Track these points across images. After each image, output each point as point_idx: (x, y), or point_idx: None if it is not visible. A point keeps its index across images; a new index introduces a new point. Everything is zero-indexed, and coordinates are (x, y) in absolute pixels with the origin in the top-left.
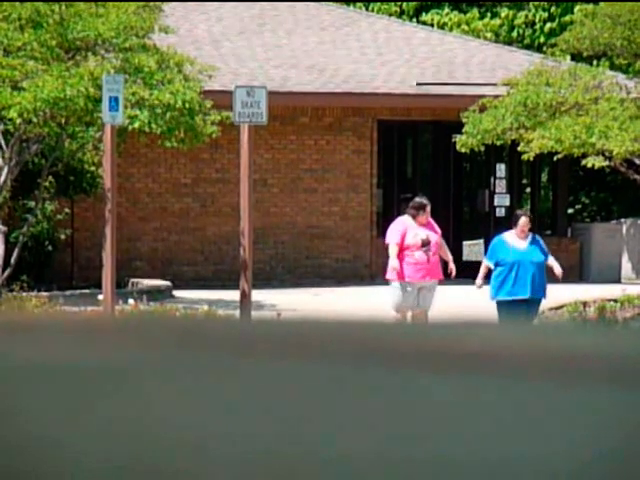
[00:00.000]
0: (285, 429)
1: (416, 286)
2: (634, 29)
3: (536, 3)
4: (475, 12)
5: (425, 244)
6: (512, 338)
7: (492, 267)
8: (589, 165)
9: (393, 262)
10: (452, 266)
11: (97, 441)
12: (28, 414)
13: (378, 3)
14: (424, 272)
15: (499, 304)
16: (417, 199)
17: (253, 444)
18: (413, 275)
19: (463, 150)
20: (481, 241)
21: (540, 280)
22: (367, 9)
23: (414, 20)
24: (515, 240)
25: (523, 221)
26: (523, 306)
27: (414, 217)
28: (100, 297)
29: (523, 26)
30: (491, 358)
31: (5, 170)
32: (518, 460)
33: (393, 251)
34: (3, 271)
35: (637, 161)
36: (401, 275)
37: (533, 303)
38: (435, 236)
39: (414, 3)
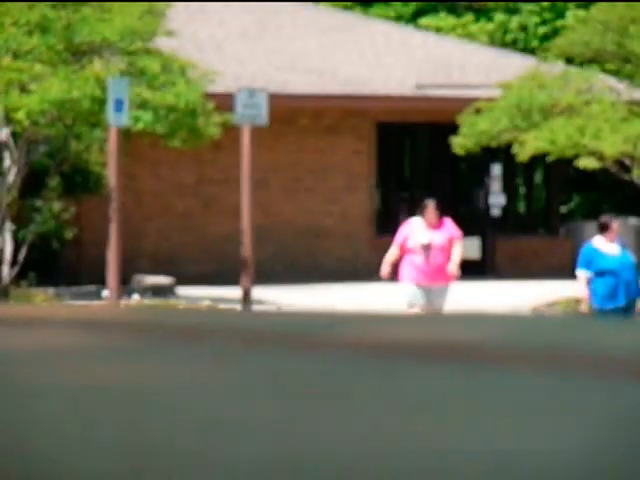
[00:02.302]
0: (284, 417)
1: (422, 288)
2: (624, 35)
3: (529, 8)
4: (470, 16)
5: (425, 248)
6: (506, 331)
7: (590, 277)
8: (581, 166)
9: (383, 266)
10: (453, 269)
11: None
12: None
13: (376, 8)
14: (425, 276)
15: (603, 312)
16: (425, 200)
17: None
18: (415, 277)
19: (460, 151)
20: (477, 239)
21: (635, 284)
22: (366, 13)
23: (411, 24)
24: (608, 246)
25: (615, 226)
26: (623, 312)
27: (423, 218)
28: (105, 293)
29: (517, 30)
30: (487, 350)
31: (14, 170)
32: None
33: (389, 252)
34: (11, 268)
35: (627, 162)
36: (405, 276)
37: (630, 308)
38: (442, 240)
39: (411, 8)
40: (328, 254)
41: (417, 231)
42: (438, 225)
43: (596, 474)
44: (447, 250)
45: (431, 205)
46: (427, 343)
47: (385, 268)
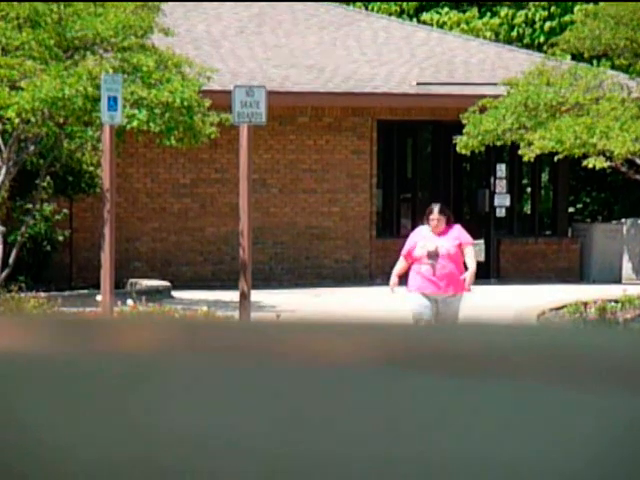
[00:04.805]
0: (281, 429)
1: (430, 298)
2: (637, 29)
3: (536, 2)
4: (474, 11)
5: (431, 256)
6: (514, 339)
7: None
8: (590, 166)
9: (392, 278)
10: (467, 277)
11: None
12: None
13: (378, 3)
14: (433, 285)
15: None
16: (430, 205)
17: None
18: (422, 287)
19: (464, 151)
20: (481, 241)
21: None
22: (367, 8)
23: (414, 20)
24: None
25: None
26: None
27: (428, 224)
28: (98, 298)
29: (523, 25)
30: (491, 359)
31: (3, 170)
32: (517, 461)
33: (397, 265)
34: (1, 272)
35: (638, 161)
36: (411, 286)
37: None
38: (449, 247)
39: (414, 3)
40: (328, 256)
41: (424, 239)
42: (445, 231)
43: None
44: (456, 257)
45: (435, 210)
46: (430, 351)
47: (393, 279)
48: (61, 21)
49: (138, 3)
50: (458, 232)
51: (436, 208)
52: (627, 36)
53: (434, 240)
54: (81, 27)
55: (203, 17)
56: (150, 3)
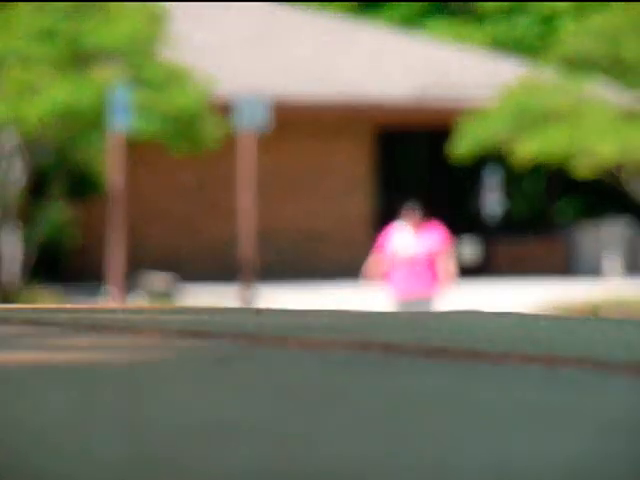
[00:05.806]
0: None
1: (406, 304)
2: (618, 43)
3: (526, 16)
4: (468, 23)
5: (409, 258)
6: (499, 330)
7: None
8: (575, 172)
9: (369, 270)
10: (444, 279)
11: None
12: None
13: (376, 14)
14: (411, 287)
15: None
16: (407, 205)
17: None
18: (402, 290)
19: (458, 157)
20: (474, 242)
21: None
22: (372, 17)
23: (411, 31)
24: None
25: None
26: None
27: (406, 224)
28: (108, 293)
29: (513, 37)
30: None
31: (21, 174)
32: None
33: (374, 258)
34: (19, 269)
35: (621, 168)
36: (391, 289)
37: None
38: (427, 248)
39: (411, 14)
40: (327, 257)
41: (402, 239)
42: (421, 230)
43: (596, 474)
44: (433, 258)
45: (413, 211)
46: (424, 343)
47: (372, 272)
48: (76, 34)
49: (147, 11)
50: (437, 235)
51: (410, 208)
52: (609, 49)
53: (412, 241)
54: (94, 40)
55: (208, 29)
56: (157, 16)
